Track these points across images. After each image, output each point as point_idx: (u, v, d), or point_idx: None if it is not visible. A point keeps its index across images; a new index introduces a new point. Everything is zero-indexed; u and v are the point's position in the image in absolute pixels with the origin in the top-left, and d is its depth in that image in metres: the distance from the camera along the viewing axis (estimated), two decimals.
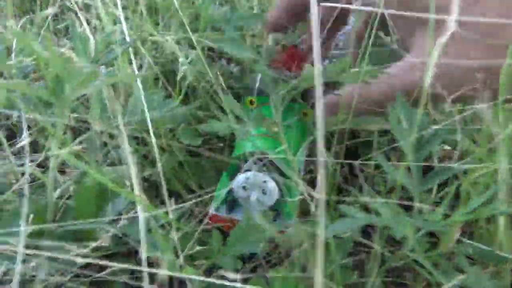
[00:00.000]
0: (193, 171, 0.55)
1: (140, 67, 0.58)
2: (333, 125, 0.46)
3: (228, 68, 0.78)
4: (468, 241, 0.37)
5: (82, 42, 0.38)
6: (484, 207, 0.32)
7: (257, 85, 0.68)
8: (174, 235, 0.34)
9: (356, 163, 0.39)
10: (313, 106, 0.60)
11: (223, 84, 0.43)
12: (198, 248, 0.36)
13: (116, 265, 0.25)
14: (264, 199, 0.50)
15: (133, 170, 0.32)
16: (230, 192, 0.55)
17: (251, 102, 0.60)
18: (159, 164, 0.35)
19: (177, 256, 0.34)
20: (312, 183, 0.61)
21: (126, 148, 0.33)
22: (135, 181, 0.32)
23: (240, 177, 0.50)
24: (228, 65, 0.82)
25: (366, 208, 0.56)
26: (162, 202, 0.57)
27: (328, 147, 0.56)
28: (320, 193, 0.22)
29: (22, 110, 0.34)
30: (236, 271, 0.37)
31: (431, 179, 0.33)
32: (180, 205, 0.36)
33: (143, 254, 0.27)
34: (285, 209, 0.52)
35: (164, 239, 0.32)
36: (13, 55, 0.47)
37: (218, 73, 0.49)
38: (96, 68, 0.31)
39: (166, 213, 0.38)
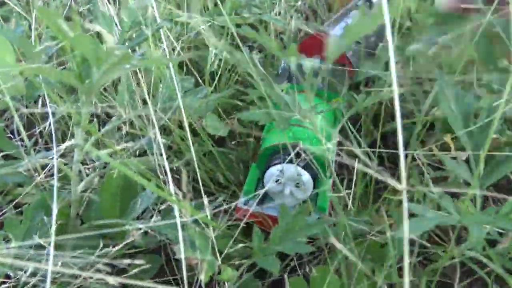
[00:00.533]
0: (220, 163, 0.52)
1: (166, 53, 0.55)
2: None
3: (250, 56, 0.74)
4: None
5: (107, 22, 0.35)
6: None
7: (287, 73, 0.65)
8: (211, 233, 0.31)
9: (417, 153, 0.35)
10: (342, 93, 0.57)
11: (262, 69, 0.39)
12: (237, 246, 0.33)
13: (154, 286, 0.22)
14: (298, 193, 0.47)
15: (168, 170, 0.29)
16: (260, 185, 0.52)
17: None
18: (193, 156, 0.32)
19: (215, 256, 0.31)
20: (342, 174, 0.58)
21: (158, 138, 0.30)
22: (171, 182, 0.29)
23: (273, 170, 0.46)
24: (251, 53, 0.79)
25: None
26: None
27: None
28: (402, 183, 0.19)
29: (46, 97, 0.32)
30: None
31: (497, 171, 0.29)
32: (215, 203, 0.33)
33: (183, 264, 0.24)
34: (318, 203, 0.49)
35: (201, 238, 0.30)
36: (32, 39, 0.45)
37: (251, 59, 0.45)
38: (128, 49, 0.28)
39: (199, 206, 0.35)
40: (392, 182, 0.19)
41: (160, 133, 0.54)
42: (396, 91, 0.20)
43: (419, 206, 0.24)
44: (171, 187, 0.27)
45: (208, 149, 0.51)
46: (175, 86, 0.31)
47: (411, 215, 0.42)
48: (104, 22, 0.35)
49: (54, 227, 0.25)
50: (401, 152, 0.19)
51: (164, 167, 0.29)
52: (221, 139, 0.59)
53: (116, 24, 0.38)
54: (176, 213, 0.25)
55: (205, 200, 0.33)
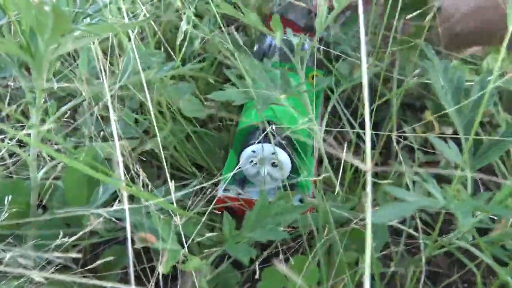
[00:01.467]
0: (198, 148, 0.49)
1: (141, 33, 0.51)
2: None
3: (236, 37, 0.71)
4: None
5: None
6: None
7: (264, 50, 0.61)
8: (178, 220, 0.28)
9: (393, 135, 0.33)
10: (327, 70, 0.54)
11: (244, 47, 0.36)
12: (206, 234, 0.30)
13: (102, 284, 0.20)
14: (276, 174, 0.44)
15: (118, 150, 0.26)
16: (239, 169, 0.49)
17: None
18: (158, 138, 0.29)
19: (182, 245, 0.28)
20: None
21: (111, 114, 0.27)
22: (120, 160, 0.26)
23: (247, 151, 0.43)
24: (237, 33, 0.75)
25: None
26: (165, 182, 0.51)
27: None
28: (367, 164, 0.16)
29: None
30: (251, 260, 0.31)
31: (490, 153, 0.26)
32: (188, 188, 0.30)
33: (129, 249, 0.21)
34: (300, 183, 0.46)
35: (165, 225, 0.27)
36: None
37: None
38: (75, 16, 0.25)
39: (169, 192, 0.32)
40: (356, 162, 0.16)
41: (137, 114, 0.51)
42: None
43: (399, 189, 0.21)
44: (121, 170, 0.24)
45: (185, 133, 0.48)
46: (135, 57, 0.28)
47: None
48: None
49: None
50: (368, 129, 0.16)
51: (122, 149, 0.26)
52: (203, 123, 0.56)
53: None
54: (125, 198, 0.22)
55: (171, 185, 0.30)
